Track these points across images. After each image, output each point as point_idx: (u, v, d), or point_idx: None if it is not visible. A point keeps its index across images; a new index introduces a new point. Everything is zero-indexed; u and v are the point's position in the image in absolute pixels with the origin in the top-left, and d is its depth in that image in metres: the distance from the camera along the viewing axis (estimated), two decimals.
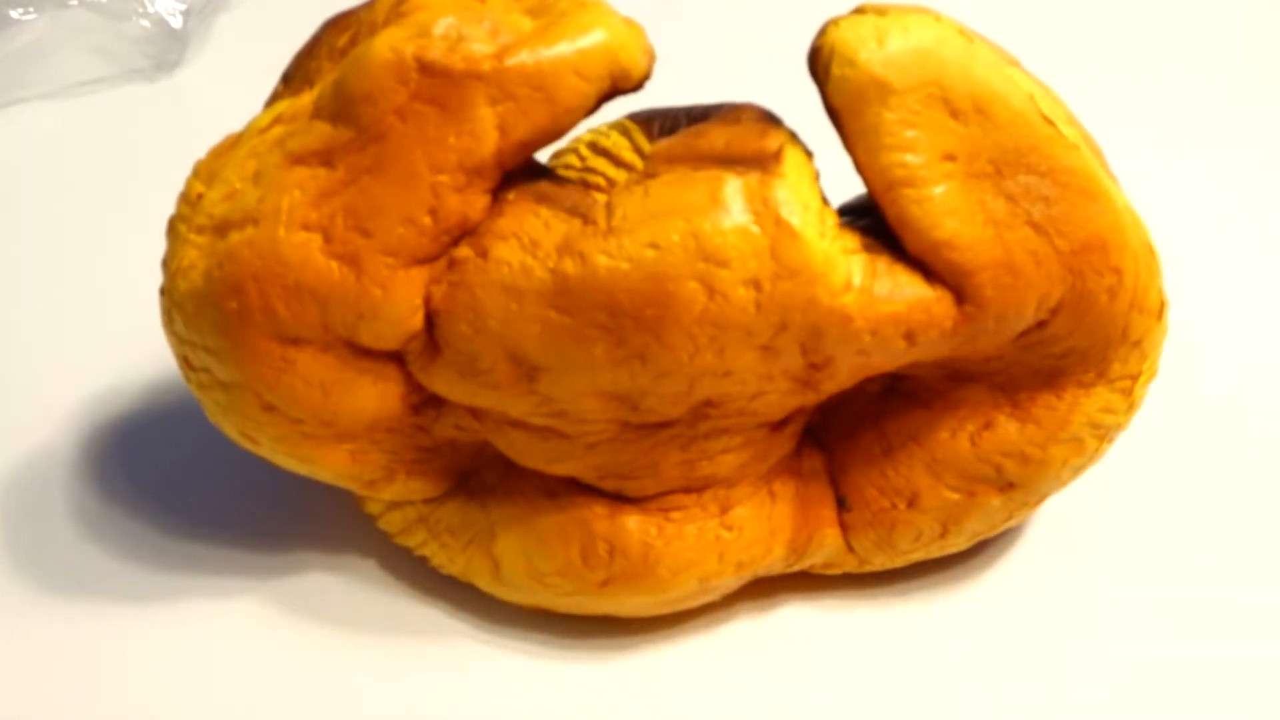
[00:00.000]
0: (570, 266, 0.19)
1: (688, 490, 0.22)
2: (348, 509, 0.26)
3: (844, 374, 0.20)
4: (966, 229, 0.19)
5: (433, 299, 0.20)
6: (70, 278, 0.31)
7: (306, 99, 0.20)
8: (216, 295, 0.20)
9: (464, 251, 0.20)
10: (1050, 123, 0.20)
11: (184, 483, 0.27)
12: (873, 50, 0.19)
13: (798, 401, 0.21)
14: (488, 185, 0.19)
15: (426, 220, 0.19)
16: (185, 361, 0.21)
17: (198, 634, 0.24)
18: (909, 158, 0.19)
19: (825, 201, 0.20)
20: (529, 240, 0.19)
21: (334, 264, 0.19)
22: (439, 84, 0.19)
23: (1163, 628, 0.24)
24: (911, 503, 0.23)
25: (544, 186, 0.20)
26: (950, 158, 0.19)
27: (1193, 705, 0.23)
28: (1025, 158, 0.19)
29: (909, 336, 0.20)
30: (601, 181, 0.22)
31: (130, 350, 0.29)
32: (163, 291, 0.21)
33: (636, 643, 0.24)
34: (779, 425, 0.22)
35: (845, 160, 0.20)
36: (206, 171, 0.20)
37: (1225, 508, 0.26)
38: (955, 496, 0.23)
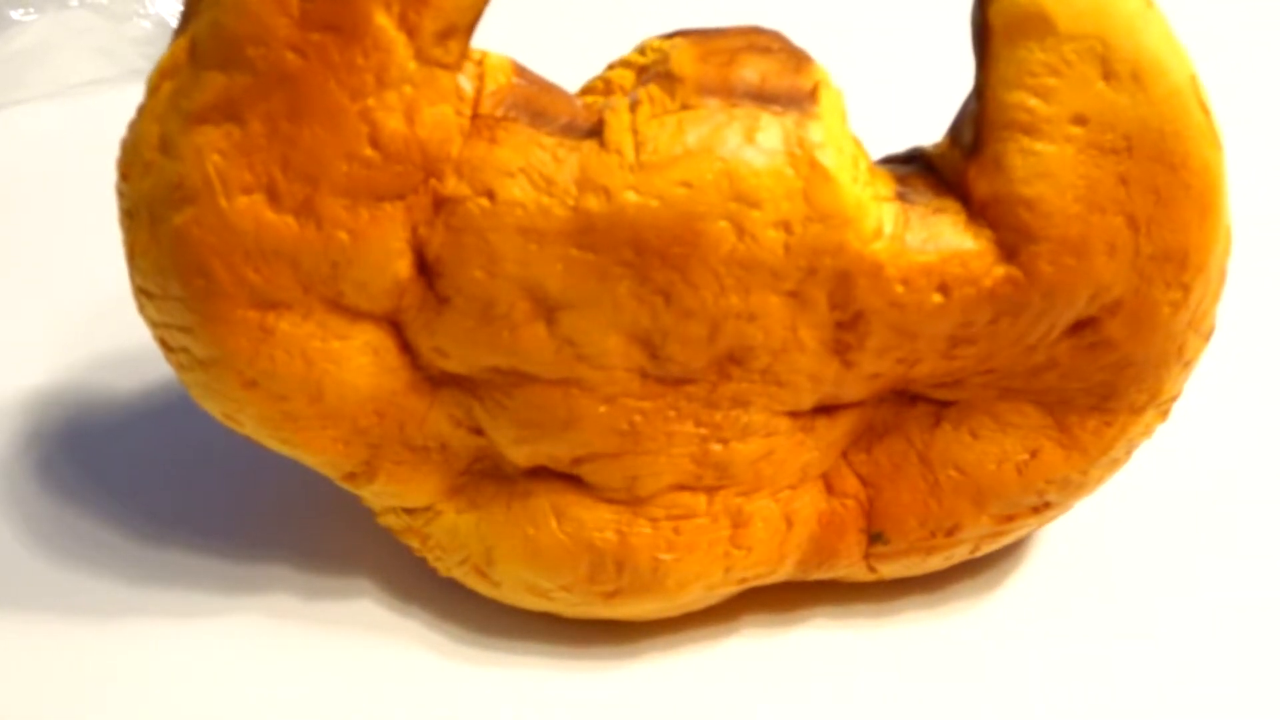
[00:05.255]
0: (594, 204, 0.19)
1: (696, 487, 0.22)
2: (340, 513, 0.25)
3: (876, 341, 0.20)
4: (1054, 198, 0.19)
5: (428, 246, 0.19)
6: (70, 278, 0.31)
7: (182, 42, 0.19)
8: (181, 276, 0.19)
9: (457, 188, 0.19)
10: (1206, 111, 0.19)
11: (162, 487, 0.26)
12: None
13: (827, 378, 0.20)
14: (434, 96, 0.18)
15: (369, 152, 0.18)
16: (164, 344, 0.21)
17: (174, 651, 0.23)
18: (1039, 106, 0.19)
19: (858, 144, 0.20)
20: (540, 178, 0.19)
21: (289, 219, 0.19)
22: (324, 5, 0.18)
23: (1191, 625, 0.24)
24: (951, 532, 0.22)
25: (526, 93, 0.19)
26: (1081, 121, 0.19)
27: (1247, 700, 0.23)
28: (1164, 142, 0.19)
29: (944, 289, 0.19)
30: (599, 84, 0.22)
31: (127, 350, 0.29)
32: (130, 279, 0.20)
33: (641, 650, 0.24)
34: (801, 428, 0.21)
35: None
36: (127, 149, 0.20)
37: (1244, 508, 0.26)
38: (994, 523, 0.22)
